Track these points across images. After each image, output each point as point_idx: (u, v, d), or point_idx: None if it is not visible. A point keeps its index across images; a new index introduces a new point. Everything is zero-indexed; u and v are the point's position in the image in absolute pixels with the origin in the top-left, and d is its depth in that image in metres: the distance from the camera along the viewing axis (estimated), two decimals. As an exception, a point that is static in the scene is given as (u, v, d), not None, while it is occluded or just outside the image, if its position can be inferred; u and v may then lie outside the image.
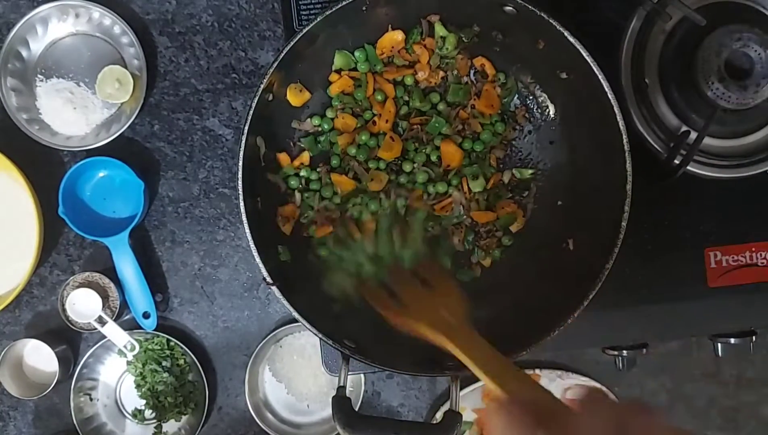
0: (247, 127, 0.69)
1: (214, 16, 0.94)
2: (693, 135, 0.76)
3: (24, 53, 0.92)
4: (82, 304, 0.90)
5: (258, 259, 0.69)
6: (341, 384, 0.69)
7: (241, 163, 0.69)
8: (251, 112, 0.69)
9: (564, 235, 0.76)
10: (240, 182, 0.69)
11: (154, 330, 0.93)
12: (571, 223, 0.76)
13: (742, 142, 0.78)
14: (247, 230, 0.69)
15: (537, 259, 0.77)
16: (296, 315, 0.69)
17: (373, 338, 0.74)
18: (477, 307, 0.76)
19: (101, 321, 0.90)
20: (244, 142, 0.69)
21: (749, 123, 0.78)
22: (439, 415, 0.94)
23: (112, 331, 0.91)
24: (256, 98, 0.69)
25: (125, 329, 0.93)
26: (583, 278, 0.68)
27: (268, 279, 0.69)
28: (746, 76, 0.71)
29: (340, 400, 0.67)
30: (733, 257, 0.80)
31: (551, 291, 0.73)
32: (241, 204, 0.69)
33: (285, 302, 0.69)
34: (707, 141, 0.76)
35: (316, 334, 0.69)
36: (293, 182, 0.77)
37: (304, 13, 0.84)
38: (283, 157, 0.77)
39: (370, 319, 0.77)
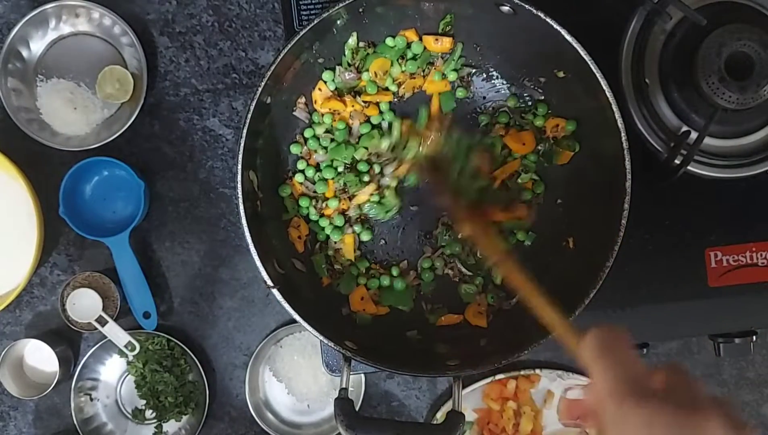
0: (245, 130, 0.69)
1: (214, 16, 0.94)
2: (693, 135, 0.76)
3: (24, 53, 0.92)
4: (83, 304, 0.90)
5: (258, 263, 0.69)
6: (343, 386, 0.69)
7: (240, 166, 0.69)
8: (249, 113, 0.69)
9: (564, 234, 0.76)
10: (239, 185, 0.69)
11: (155, 330, 0.93)
12: (570, 221, 0.76)
13: (742, 142, 0.78)
14: (247, 233, 0.69)
15: (537, 258, 0.77)
16: (297, 318, 0.68)
17: (374, 339, 0.74)
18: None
19: (101, 321, 0.90)
20: (243, 143, 0.69)
21: (750, 123, 0.78)
22: (439, 415, 0.94)
23: (113, 330, 0.91)
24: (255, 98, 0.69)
25: (125, 329, 0.93)
26: (583, 277, 0.68)
27: (269, 282, 0.69)
28: (747, 76, 0.71)
29: (343, 402, 0.67)
30: (733, 257, 0.80)
31: (551, 290, 0.73)
32: (241, 207, 0.69)
33: (286, 305, 0.69)
34: (708, 141, 0.75)
35: (317, 337, 0.69)
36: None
37: (304, 13, 0.84)
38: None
39: (370, 320, 0.77)
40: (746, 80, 0.71)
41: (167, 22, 0.94)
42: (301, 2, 0.84)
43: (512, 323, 0.75)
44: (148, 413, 0.97)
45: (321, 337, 0.69)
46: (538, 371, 0.95)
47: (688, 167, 0.75)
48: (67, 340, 0.95)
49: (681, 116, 0.77)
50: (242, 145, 0.69)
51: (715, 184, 0.78)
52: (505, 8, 0.69)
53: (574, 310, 0.67)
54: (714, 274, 0.80)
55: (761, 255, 0.80)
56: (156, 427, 0.97)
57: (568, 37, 0.67)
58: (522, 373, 0.94)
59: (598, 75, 0.67)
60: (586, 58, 0.67)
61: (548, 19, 0.67)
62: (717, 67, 0.71)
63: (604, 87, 0.67)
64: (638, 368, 0.41)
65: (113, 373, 0.97)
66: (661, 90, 0.78)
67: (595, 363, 0.42)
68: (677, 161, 0.75)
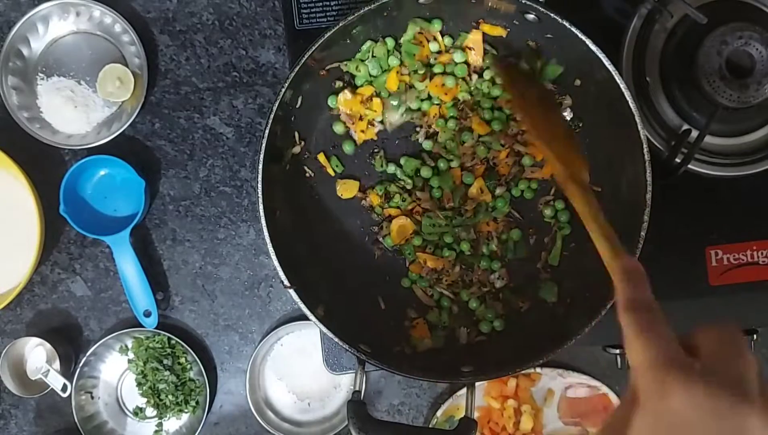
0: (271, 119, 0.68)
1: (214, 15, 0.94)
2: (694, 133, 0.76)
3: (25, 51, 0.92)
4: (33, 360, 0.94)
5: (276, 262, 0.68)
6: (357, 388, 0.69)
7: (262, 156, 0.69)
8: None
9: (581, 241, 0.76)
10: (260, 184, 0.69)
11: (155, 328, 0.93)
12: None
13: (743, 140, 0.78)
14: (266, 233, 0.68)
15: (557, 266, 0.77)
16: (313, 319, 0.68)
17: (388, 342, 0.74)
18: (496, 315, 0.76)
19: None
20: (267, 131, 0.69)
21: (750, 121, 0.78)
22: (440, 413, 0.94)
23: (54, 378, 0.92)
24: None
25: (126, 328, 0.93)
26: (601, 284, 0.68)
27: (286, 282, 0.68)
28: (747, 75, 0.71)
29: (356, 405, 0.67)
30: (734, 256, 0.80)
31: (571, 295, 0.74)
32: (261, 207, 0.68)
33: (303, 306, 0.68)
34: (708, 139, 0.76)
35: (332, 338, 0.68)
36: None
37: (304, 11, 0.84)
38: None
39: (385, 322, 0.77)
40: (747, 78, 0.71)
41: (168, 20, 0.94)
42: (301, 1, 0.84)
43: (528, 331, 0.74)
44: (149, 411, 0.97)
45: (336, 339, 0.68)
46: (538, 370, 0.95)
47: (689, 166, 0.75)
48: (68, 338, 0.95)
49: (682, 114, 0.77)
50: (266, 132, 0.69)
51: (716, 183, 0.78)
52: (531, 16, 0.69)
53: (592, 320, 0.67)
54: (715, 272, 0.80)
55: (762, 253, 0.80)
56: (157, 425, 0.97)
57: (593, 47, 0.67)
58: (522, 371, 0.94)
59: (621, 85, 0.66)
60: (609, 66, 0.67)
61: (573, 28, 0.67)
62: (718, 66, 0.71)
63: (627, 96, 0.67)
64: (678, 343, 0.39)
65: (114, 372, 0.97)
66: (662, 88, 0.78)
67: (639, 335, 0.40)
68: (678, 160, 0.75)
